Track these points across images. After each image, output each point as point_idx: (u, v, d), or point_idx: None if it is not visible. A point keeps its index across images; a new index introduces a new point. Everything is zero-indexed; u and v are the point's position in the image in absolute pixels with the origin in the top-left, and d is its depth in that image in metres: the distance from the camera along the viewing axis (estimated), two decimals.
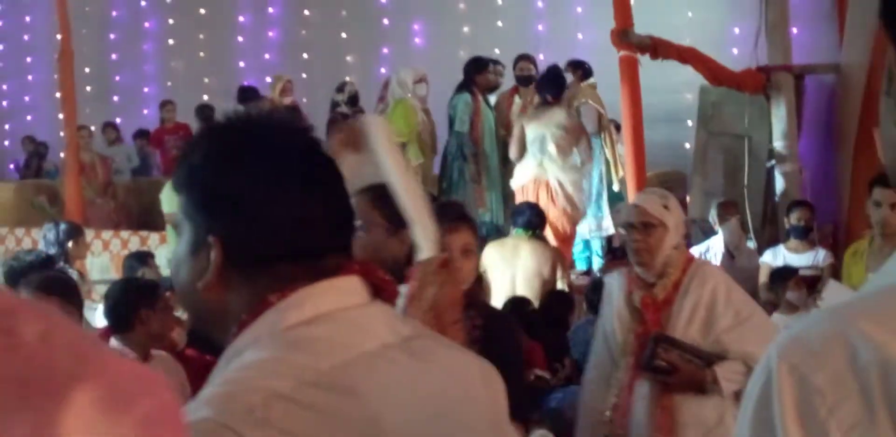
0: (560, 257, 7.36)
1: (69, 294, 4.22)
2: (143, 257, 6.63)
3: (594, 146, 8.78)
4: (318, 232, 1.35)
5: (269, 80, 12.42)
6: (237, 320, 1.32)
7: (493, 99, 9.35)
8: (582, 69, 9.09)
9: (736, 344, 3.80)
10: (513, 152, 8.59)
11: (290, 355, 1.27)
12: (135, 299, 4.54)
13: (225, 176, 1.34)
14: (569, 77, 9.02)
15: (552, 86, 8.66)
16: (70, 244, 6.46)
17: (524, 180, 8.51)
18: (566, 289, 7.10)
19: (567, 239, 8.51)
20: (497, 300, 6.53)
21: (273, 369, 1.25)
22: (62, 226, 6.66)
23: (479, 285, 4.32)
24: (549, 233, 8.05)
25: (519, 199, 8.41)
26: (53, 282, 4.28)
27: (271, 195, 1.33)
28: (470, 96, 8.94)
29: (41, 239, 6.82)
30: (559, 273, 7.11)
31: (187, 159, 1.38)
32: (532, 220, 7.12)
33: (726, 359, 3.81)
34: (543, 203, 8.20)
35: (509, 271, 6.90)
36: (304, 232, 1.33)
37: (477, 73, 9.04)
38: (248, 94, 11.15)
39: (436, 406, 1.35)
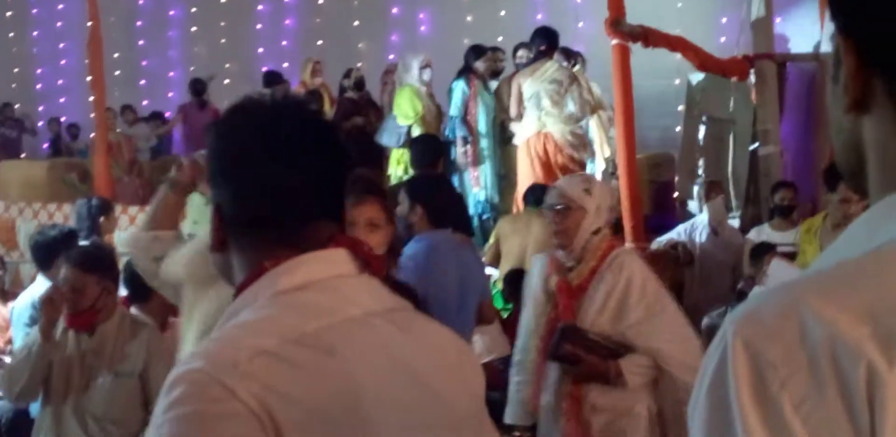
0: None
1: (108, 270, 4.21)
2: None
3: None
4: (294, 200, 1.39)
5: (285, 65, 12.43)
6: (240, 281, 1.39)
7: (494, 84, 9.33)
8: (568, 56, 9.05)
9: (643, 339, 3.64)
10: (513, 110, 8.61)
11: (280, 316, 1.31)
12: None
13: (219, 150, 1.44)
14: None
15: (544, 37, 8.71)
16: (101, 219, 6.46)
17: (528, 134, 8.52)
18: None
19: None
20: (508, 266, 6.89)
21: (262, 328, 1.28)
22: (94, 202, 6.65)
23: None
24: None
25: (523, 154, 8.52)
26: (92, 258, 4.25)
27: (249, 165, 1.39)
28: (466, 82, 8.93)
29: (74, 214, 6.82)
30: None
31: (207, 140, 1.47)
32: (542, 197, 7.12)
33: (634, 352, 3.63)
34: (550, 153, 8.22)
35: (522, 241, 7.06)
36: (279, 200, 1.38)
37: (475, 60, 9.02)
38: (272, 78, 11.15)
39: (413, 373, 1.36)
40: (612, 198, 4.03)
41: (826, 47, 8.03)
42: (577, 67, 9.03)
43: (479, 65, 9.03)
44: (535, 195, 7.12)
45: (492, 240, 7.45)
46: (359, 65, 11.02)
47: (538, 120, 8.45)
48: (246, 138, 1.41)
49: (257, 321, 1.31)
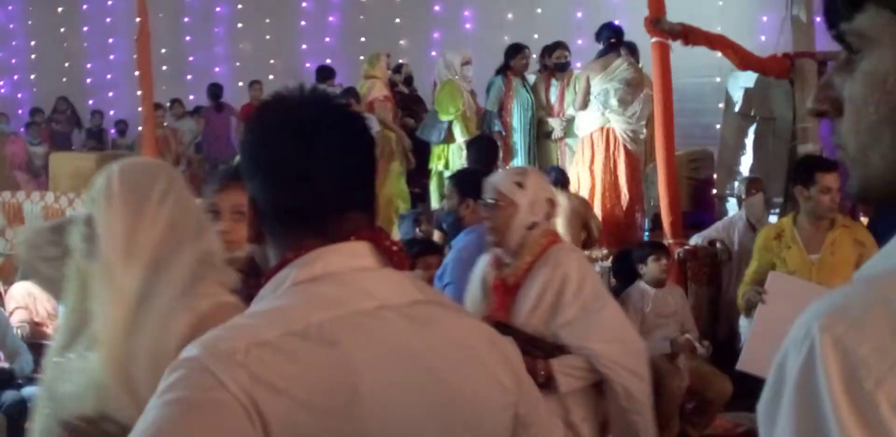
0: (587, 204, 7.97)
1: None
2: None
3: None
4: (323, 192, 1.39)
5: (328, 61, 12.44)
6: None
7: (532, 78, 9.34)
8: (630, 51, 9.01)
9: (576, 339, 3.39)
10: (579, 103, 8.64)
11: (290, 307, 1.31)
12: None
13: (248, 145, 1.44)
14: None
15: (611, 30, 8.76)
16: None
17: (591, 129, 8.56)
18: (595, 233, 7.75)
19: (638, 179, 8.60)
20: None
21: (270, 317, 1.29)
22: None
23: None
24: (622, 175, 8.35)
25: (582, 148, 8.61)
26: None
27: (276, 157, 1.39)
28: (503, 79, 9.01)
29: None
30: (591, 215, 7.77)
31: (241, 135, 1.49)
32: (559, 178, 7.66)
33: (569, 352, 3.38)
34: (611, 149, 8.22)
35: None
36: (309, 191, 1.38)
37: (512, 57, 9.06)
38: (325, 73, 11.22)
39: (426, 367, 1.34)
40: (549, 191, 3.74)
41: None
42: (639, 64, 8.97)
43: (516, 63, 9.05)
44: (554, 175, 7.57)
45: None
46: (401, 61, 11.03)
47: (602, 116, 8.50)
48: (276, 132, 1.41)
49: (268, 311, 1.31)
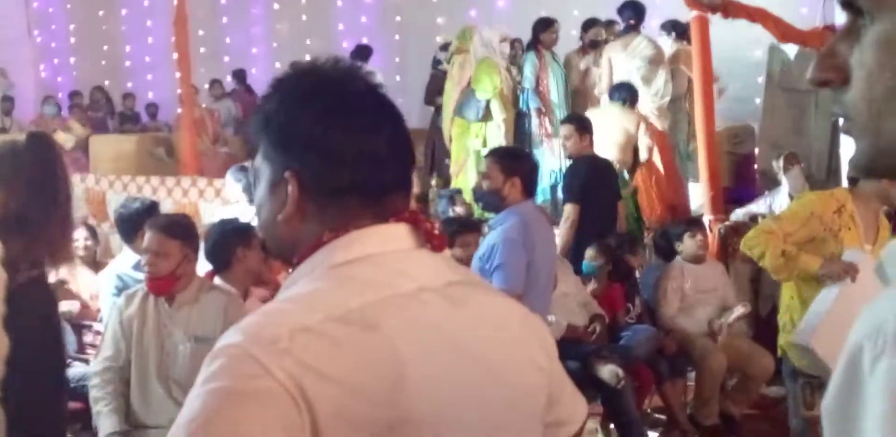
0: (645, 121, 8.19)
1: (190, 238, 4.30)
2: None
3: (679, 109, 8.74)
4: (382, 167, 1.35)
5: (364, 40, 12.42)
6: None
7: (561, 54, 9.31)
8: (678, 31, 8.93)
9: None
10: (604, 83, 8.67)
11: (329, 290, 1.28)
12: (231, 238, 4.60)
13: (296, 116, 1.35)
14: (666, 38, 8.97)
15: (632, 10, 8.82)
16: None
17: None
18: (645, 153, 8.08)
19: (667, 148, 8.56)
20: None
21: (308, 302, 1.26)
22: None
23: None
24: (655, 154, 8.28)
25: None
26: (176, 225, 4.34)
27: (339, 131, 1.33)
28: (535, 55, 8.96)
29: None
30: (643, 132, 7.99)
31: (263, 107, 1.39)
32: (625, 96, 8.10)
33: None
34: (633, 127, 8.20)
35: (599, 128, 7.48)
36: (370, 166, 1.33)
37: (542, 32, 9.01)
38: (363, 52, 11.24)
39: (464, 348, 1.32)
40: None
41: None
42: (686, 45, 8.87)
43: (545, 37, 8.99)
44: (620, 93, 8.14)
45: None
46: (451, 40, 10.97)
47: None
48: (331, 100, 1.35)
49: (306, 295, 1.28)
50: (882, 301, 0.79)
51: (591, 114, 7.93)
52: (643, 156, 8.04)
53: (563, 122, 7.39)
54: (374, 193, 1.34)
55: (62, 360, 2.90)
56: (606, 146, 7.75)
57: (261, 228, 1.43)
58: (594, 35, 9.24)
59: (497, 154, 4.94)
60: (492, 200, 4.76)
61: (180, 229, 4.28)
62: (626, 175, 8.06)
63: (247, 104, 12.56)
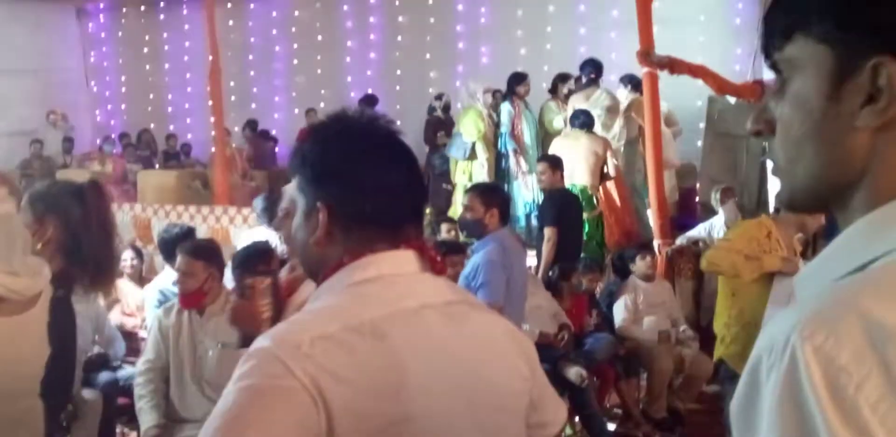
0: (609, 144, 8.04)
1: (213, 258, 4.28)
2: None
3: (635, 151, 8.72)
4: (399, 201, 1.36)
5: (370, 90, 12.44)
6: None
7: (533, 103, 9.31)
8: (633, 83, 8.96)
9: None
10: (567, 128, 8.56)
11: (347, 305, 1.29)
12: (251, 261, 4.57)
13: (327, 155, 1.36)
14: (623, 90, 8.97)
15: (592, 66, 8.86)
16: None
17: None
18: (612, 170, 7.90)
19: (623, 189, 8.45)
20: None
21: (329, 314, 1.27)
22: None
23: None
24: (613, 189, 8.22)
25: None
26: (201, 249, 4.33)
27: (363, 169, 1.34)
28: (510, 104, 8.93)
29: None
30: (609, 153, 7.90)
31: (300, 148, 1.41)
32: (585, 121, 7.97)
33: None
34: (601, 149, 8.14)
35: (573, 153, 7.60)
36: (388, 199, 1.34)
37: (517, 84, 9.00)
38: (369, 100, 11.27)
39: (460, 359, 1.32)
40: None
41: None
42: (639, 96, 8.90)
43: (520, 89, 9.00)
44: (580, 120, 7.92)
45: None
46: (432, 92, 10.99)
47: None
48: (358, 142, 1.36)
49: (327, 308, 1.29)
50: (778, 319, 0.77)
51: (560, 141, 7.91)
52: (612, 173, 7.96)
53: (539, 160, 7.39)
54: (391, 223, 1.35)
55: (70, 378, 2.80)
56: (579, 170, 7.71)
57: (296, 249, 1.43)
58: (567, 88, 9.26)
59: (477, 189, 4.95)
60: (475, 228, 4.76)
61: (204, 251, 4.28)
62: (595, 200, 8.00)
63: (257, 147, 12.62)
